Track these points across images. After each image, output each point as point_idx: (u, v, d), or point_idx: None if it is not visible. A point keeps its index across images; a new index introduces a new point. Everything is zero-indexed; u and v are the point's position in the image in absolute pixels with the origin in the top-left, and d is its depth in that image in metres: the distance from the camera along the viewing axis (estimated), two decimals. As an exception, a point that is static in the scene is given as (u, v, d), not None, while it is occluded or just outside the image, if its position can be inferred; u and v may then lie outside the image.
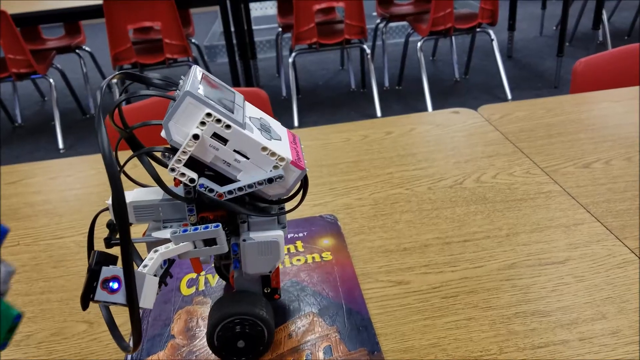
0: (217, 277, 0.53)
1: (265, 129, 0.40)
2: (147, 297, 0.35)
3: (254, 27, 4.43)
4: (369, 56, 2.77)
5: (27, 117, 3.13)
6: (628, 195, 0.66)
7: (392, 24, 4.03)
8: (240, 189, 0.39)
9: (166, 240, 0.39)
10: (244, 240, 0.41)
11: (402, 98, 3.04)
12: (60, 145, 2.67)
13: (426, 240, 0.61)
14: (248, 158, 0.38)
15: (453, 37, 3.25)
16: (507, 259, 0.56)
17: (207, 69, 3.30)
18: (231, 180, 0.39)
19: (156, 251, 0.37)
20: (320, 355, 0.43)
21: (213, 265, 0.50)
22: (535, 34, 4.10)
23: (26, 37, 2.68)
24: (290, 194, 0.41)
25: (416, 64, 3.47)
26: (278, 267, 0.45)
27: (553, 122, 0.89)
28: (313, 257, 0.55)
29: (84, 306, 0.36)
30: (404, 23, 3.95)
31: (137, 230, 0.66)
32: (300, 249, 0.56)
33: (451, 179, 0.73)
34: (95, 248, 0.38)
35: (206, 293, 0.51)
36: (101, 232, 0.66)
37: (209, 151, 0.38)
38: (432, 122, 0.92)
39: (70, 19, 2.55)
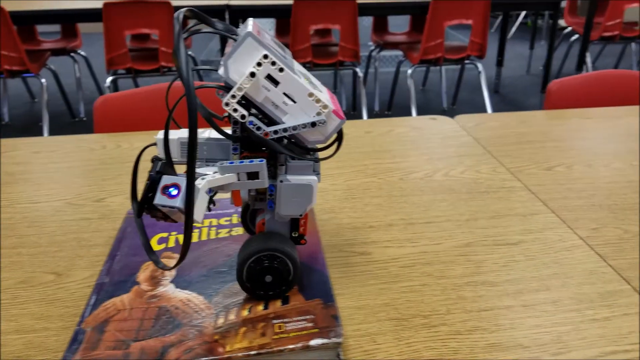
0: (186, 236, 0.55)
1: (309, 81, 0.43)
2: (199, 210, 0.38)
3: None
4: (360, 79, 2.84)
5: (15, 116, 3.14)
6: (584, 194, 0.70)
7: (385, 54, 4.14)
8: (285, 129, 0.41)
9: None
10: (281, 181, 0.44)
11: (390, 123, 3.09)
12: (48, 145, 2.67)
13: (391, 220, 0.64)
14: (295, 102, 0.41)
15: (443, 69, 3.34)
16: (464, 239, 0.59)
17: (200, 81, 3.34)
18: (276, 123, 0.42)
19: (204, 178, 0.40)
20: (278, 304, 0.45)
21: (240, 218, 0.53)
22: (522, 73, 4.22)
23: (22, 37, 2.71)
24: (327, 143, 0.44)
25: (406, 92, 3.55)
26: (307, 215, 0.47)
27: (524, 132, 0.93)
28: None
29: (140, 212, 0.39)
30: (398, 53, 4.06)
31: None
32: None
33: (422, 172, 0.77)
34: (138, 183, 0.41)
35: (175, 250, 0.53)
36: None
37: (261, 91, 0.41)
38: (410, 126, 0.95)
39: (69, 20, 2.59)
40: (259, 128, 0.41)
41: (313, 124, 0.42)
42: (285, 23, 3.00)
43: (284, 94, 0.41)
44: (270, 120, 0.42)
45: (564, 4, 4.63)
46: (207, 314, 0.44)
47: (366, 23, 4.63)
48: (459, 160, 0.80)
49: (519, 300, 0.49)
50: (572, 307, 0.49)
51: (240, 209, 0.54)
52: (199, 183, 0.39)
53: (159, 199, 0.38)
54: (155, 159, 0.41)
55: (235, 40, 0.42)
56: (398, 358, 0.43)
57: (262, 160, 0.41)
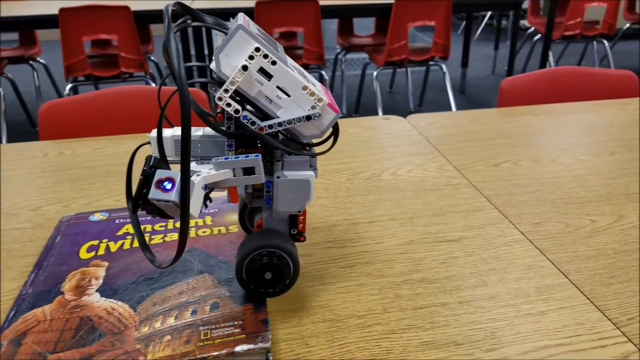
0: (119, 243, 0.54)
1: (302, 75, 0.42)
2: (194, 205, 0.37)
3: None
4: (327, 82, 2.84)
5: (-26, 127, 3.05)
6: (529, 190, 0.70)
7: (352, 56, 4.15)
8: (279, 124, 0.41)
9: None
10: (278, 177, 0.43)
11: (357, 125, 3.10)
12: (6, 155, 2.60)
13: (335, 221, 0.63)
14: (289, 95, 0.41)
15: (409, 71, 3.37)
16: (406, 237, 0.59)
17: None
18: (271, 118, 0.41)
19: (199, 175, 0.39)
20: (207, 309, 0.44)
21: (237, 217, 0.53)
22: (488, 73, 4.29)
23: (-22, 45, 2.63)
24: (322, 138, 0.44)
25: (373, 94, 3.56)
26: (305, 211, 0.47)
27: (474, 130, 0.93)
28: (219, 230, 0.56)
29: (135, 208, 0.38)
30: (364, 56, 4.07)
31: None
32: (209, 223, 0.57)
33: (370, 172, 0.76)
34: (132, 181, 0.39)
35: (104, 257, 0.51)
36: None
37: (254, 85, 0.40)
38: (363, 126, 0.95)
39: (25, 27, 2.52)
40: (253, 123, 0.40)
41: (308, 118, 0.41)
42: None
43: (278, 87, 0.40)
44: (264, 115, 0.41)
45: (526, 5, 4.73)
46: (131, 322, 0.43)
47: (333, 26, 4.64)
48: (407, 159, 0.80)
49: (455, 297, 0.49)
50: (508, 302, 0.48)
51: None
52: (195, 179, 0.38)
53: (153, 193, 0.37)
54: (148, 158, 0.40)
55: (225, 34, 0.41)
56: (329, 360, 0.42)
57: (257, 155, 0.40)
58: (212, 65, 0.40)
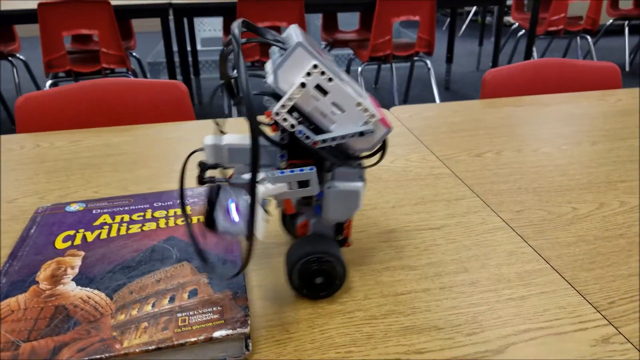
0: (95, 233, 0.52)
1: (354, 89, 0.43)
2: (260, 227, 0.38)
3: (204, 48, 4.45)
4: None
5: (-47, 125, 2.99)
6: (511, 179, 0.70)
7: (336, 52, 4.15)
8: (333, 139, 0.41)
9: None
10: (329, 187, 0.44)
11: (343, 121, 3.10)
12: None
13: (316, 210, 0.62)
14: (343, 111, 0.41)
15: (394, 67, 3.37)
16: (388, 225, 0.59)
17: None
18: (323, 131, 0.42)
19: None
20: (185, 296, 0.43)
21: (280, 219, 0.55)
22: (472, 69, 4.31)
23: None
24: (372, 151, 0.45)
25: (358, 89, 3.56)
26: (351, 220, 0.48)
27: (457, 121, 0.93)
28: (198, 219, 0.55)
29: (208, 226, 0.40)
30: (348, 51, 4.07)
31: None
32: (188, 212, 0.56)
33: (352, 162, 0.76)
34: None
35: (81, 247, 0.50)
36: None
37: (310, 101, 0.40)
38: (345, 118, 0.94)
39: (3, 23, 2.48)
40: (307, 137, 0.41)
41: (361, 134, 0.41)
42: (232, 22, 2.96)
43: (333, 103, 0.41)
44: (316, 128, 0.42)
45: (510, 1, 4.76)
46: (107, 310, 0.42)
47: (318, 21, 4.63)
48: (390, 150, 0.80)
49: (436, 283, 0.49)
50: (489, 288, 0.48)
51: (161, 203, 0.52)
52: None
53: (223, 227, 0.39)
54: (201, 164, 0.42)
55: (284, 50, 0.42)
56: (310, 345, 0.42)
57: (312, 169, 0.41)
58: (270, 80, 0.41)
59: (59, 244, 0.51)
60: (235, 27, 0.39)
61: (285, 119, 0.40)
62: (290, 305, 0.46)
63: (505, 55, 4.60)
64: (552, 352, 0.41)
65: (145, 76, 3.03)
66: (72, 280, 0.45)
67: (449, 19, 3.55)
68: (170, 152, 0.80)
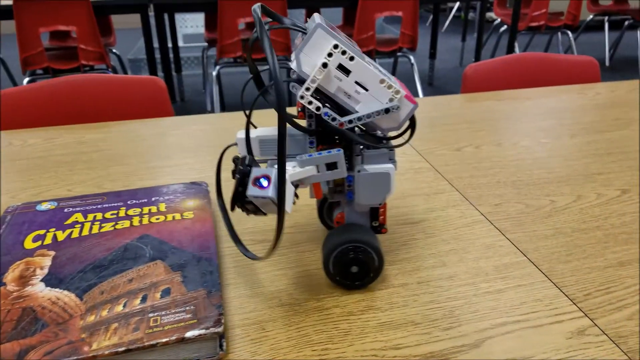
0: (67, 232, 0.51)
1: (377, 69, 0.42)
2: (288, 201, 0.38)
3: (185, 44, 4.41)
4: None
5: None
6: (490, 172, 0.70)
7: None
8: (359, 118, 0.41)
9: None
10: (359, 171, 0.44)
11: (326, 117, 3.09)
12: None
13: (297, 206, 0.61)
14: (367, 90, 0.41)
15: (377, 62, 3.37)
16: (367, 220, 0.58)
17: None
18: (349, 113, 0.42)
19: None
20: (158, 296, 0.42)
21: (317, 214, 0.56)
22: (456, 64, 4.33)
23: None
24: (400, 130, 0.44)
25: (342, 85, 3.55)
26: (386, 204, 0.48)
27: (437, 116, 0.93)
28: (173, 216, 0.54)
29: (232, 207, 0.40)
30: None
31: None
32: (163, 209, 0.55)
33: (332, 157, 0.75)
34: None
35: (51, 247, 0.49)
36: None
37: (333, 82, 0.41)
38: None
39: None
40: (334, 119, 0.41)
41: (387, 111, 0.41)
42: (215, 19, 2.93)
43: (356, 82, 0.41)
44: (342, 111, 0.42)
45: (491, -3, 4.79)
46: (77, 312, 0.41)
47: (301, 17, 4.61)
48: (370, 144, 0.79)
49: (414, 277, 0.48)
50: (467, 282, 0.48)
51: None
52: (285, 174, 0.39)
53: (252, 191, 0.38)
54: (236, 159, 0.41)
55: (304, 33, 0.42)
56: (286, 344, 0.41)
57: (339, 150, 0.41)
58: (293, 65, 0.41)
59: (29, 243, 0.50)
60: (257, 7, 0.39)
61: (310, 102, 0.40)
62: (267, 303, 0.45)
63: (487, 50, 4.63)
64: (528, 345, 0.41)
65: (125, 73, 2.99)
66: (42, 281, 0.44)
67: (432, 15, 3.56)
68: (146, 149, 0.79)
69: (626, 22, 4.07)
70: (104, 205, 0.56)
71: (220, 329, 0.39)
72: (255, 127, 0.46)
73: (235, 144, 0.45)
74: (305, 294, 0.46)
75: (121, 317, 0.40)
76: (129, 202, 0.57)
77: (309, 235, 0.55)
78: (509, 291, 0.47)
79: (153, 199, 0.58)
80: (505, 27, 3.86)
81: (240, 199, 0.39)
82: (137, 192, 0.59)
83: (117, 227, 0.52)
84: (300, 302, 0.45)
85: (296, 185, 0.42)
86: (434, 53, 3.68)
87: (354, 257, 0.44)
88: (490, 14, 5.51)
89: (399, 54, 2.95)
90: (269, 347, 0.40)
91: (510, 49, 3.50)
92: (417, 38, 2.88)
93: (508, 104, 0.99)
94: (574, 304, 0.45)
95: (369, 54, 2.83)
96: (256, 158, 0.45)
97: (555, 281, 0.48)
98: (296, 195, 0.43)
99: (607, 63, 4.31)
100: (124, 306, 0.41)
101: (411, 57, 3.02)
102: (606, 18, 4.27)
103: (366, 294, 0.46)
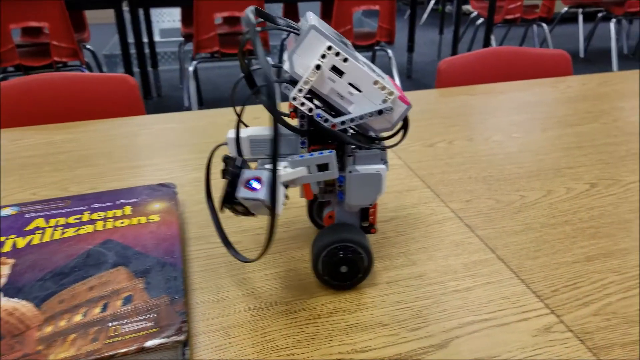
0: (27, 238, 0.50)
1: (371, 69, 0.42)
2: (279, 202, 0.38)
3: (162, 39, 4.35)
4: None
5: None
6: (462, 168, 0.70)
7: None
8: (352, 119, 0.41)
9: None
10: (350, 172, 0.44)
11: (306, 111, 3.08)
12: None
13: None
14: (360, 91, 0.41)
15: (355, 55, 3.36)
16: (337, 219, 0.58)
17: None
18: (342, 113, 0.41)
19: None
20: (119, 304, 0.41)
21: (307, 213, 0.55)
22: (434, 58, 4.35)
23: None
24: (393, 131, 0.43)
25: (321, 80, 3.54)
26: (376, 204, 0.48)
27: (412, 111, 0.93)
28: (139, 220, 0.53)
29: (221, 208, 0.40)
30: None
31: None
32: (128, 213, 0.54)
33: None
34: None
35: (10, 254, 0.48)
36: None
37: (326, 83, 0.40)
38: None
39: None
40: (326, 120, 0.41)
41: (380, 112, 0.41)
42: (191, 13, 2.90)
43: (349, 83, 0.40)
44: (335, 111, 0.42)
45: (469, -10, 4.80)
46: (34, 322, 0.39)
47: (279, 11, 4.58)
48: (343, 141, 0.79)
49: (384, 277, 0.48)
50: (435, 280, 0.48)
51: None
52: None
53: (242, 193, 0.38)
54: (226, 158, 0.41)
55: (298, 34, 0.42)
56: (251, 350, 0.40)
57: (331, 152, 0.41)
58: (286, 66, 0.41)
59: (-13, 251, 0.48)
60: (249, 11, 0.39)
61: (302, 103, 0.40)
62: (232, 307, 0.45)
63: (465, 43, 4.65)
64: (494, 344, 0.41)
65: (100, 69, 2.94)
66: (-1, 290, 0.43)
67: (410, 8, 3.56)
68: (115, 149, 0.77)
69: (599, 14, 4.13)
70: (68, 210, 0.55)
71: (182, 337, 0.38)
72: (247, 126, 0.45)
73: (225, 144, 0.45)
74: (272, 297, 0.46)
75: (80, 327, 0.39)
76: (93, 206, 0.55)
77: (279, 234, 0.55)
78: (477, 289, 0.47)
79: (119, 202, 0.56)
80: (481, 20, 3.88)
81: (230, 201, 0.39)
82: (102, 195, 0.58)
83: (80, 232, 0.51)
84: (267, 305, 0.45)
85: (286, 185, 0.42)
86: (412, 46, 3.68)
87: (343, 257, 0.44)
88: (467, 7, 5.54)
89: (377, 47, 2.95)
90: (233, 354, 0.40)
91: (486, 42, 3.52)
92: (394, 31, 2.88)
93: (481, 99, 0.99)
94: (541, 300, 0.45)
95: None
96: (246, 157, 0.44)
97: (523, 278, 0.48)
98: (286, 196, 0.43)
99: (581, 55, 4.37)
100: (84, 315, 0.40)
101: (389, 51, 3.02)
102: (580, 10, 4.31)
103: (334, 295, 0.46)
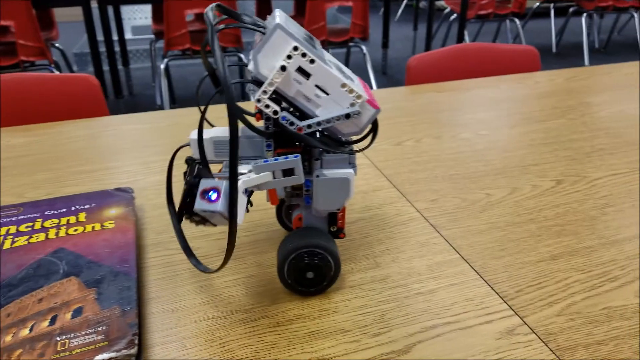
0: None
1: (340, 71, 0.41)
2: (240, 212, 0.36)
3: (134, 37, 4.28)
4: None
5: None
6: (429, 166, 0.70)
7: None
8: (318, 123, 0.40)
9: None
10: (317, 176, 0.43)
11: (280, 109, 3.06)
12: None
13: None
14: (327, 94, 0.39)
15: (329, 51, 3.35)
16: (301, 222, 0.56)
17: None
18: (309, 116, 0.40)
19: (239, 179, 0.37)
20: (68, 316, 0.40)
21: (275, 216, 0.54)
22: (409, 54, 4.36)
23: None
24: (362, 135, 0.42)
25: (296, 77, 3.52)
26: (344, 208, 0.46)
27: (382, 109, 0.92)
28: (93, 227, 0.51)
29: (180, 218, 0.39)
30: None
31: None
32: (82, 220, 0.52)
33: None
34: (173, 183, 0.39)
35: (-43, 265, 0.45)
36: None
37: (292, 85, 0.39)
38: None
39: None
40: (292, 123, 0.39)
41: (347, 116, 0.40)
42: (162, 10, 2.85)
43: (316, 86, 0.39)
44: (302, 114, 0.41)
45: (442, -14, 4.83)
46: (-24, 339, 0.37)
47: (252, 7, 4.54)
48: (310, 140, 0.78)
49: (347, 281, 0.47)
50: (399, 283, 0.47)
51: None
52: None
53: (199, 204, 0.36)
54: (189, 160, 0.40)
55: (264, 33, 0.40)
56: (208, 361, 0.39)
57: (297, 156, 0.39)
58: (250, 66, 0.39)
59: None
60: (209, 10, 0.37)
61: (267, 105, 0.39)
62: (189, 317, 0.43)
63: (439, 39, 4.68)
64: (457, 349, 0.40)
65: (70, 68, 2.87)
66: (-61, 306, 0.41)
67: (383, 4, 3.57)
68: (75, 152, 0.75)
69: (571, 9, 4.19)
70: (20, 217, 0.53)
71: (133, 351, 0.36)
72: (213, 126, 0.43)
73: (188, 145, 0.43)
74: (231, 305, 0.44)
75: (27, 342, 0.37)
76: (46, 213, 0.53)
77: (240, 239, 0.53)
78: (441, 291, 0.46)
79: (73, 208, 0.54)
80: (455, 15, 3.90)
81: (188, 210, 0.38)
82: (56, 201, 0.56)
83: (32, 240, 0.49)
84: (225, 314, 0.43)
85: (251, 191, 0.40)
86: (386, 42, 3.68)
87: (310, 263, 0.43)
88: (441, 3, 5.57)
89: (351, 44, 2.94)
90: (188, 366, 0.38)
91: (460, 38, 3.54)
92: (368, 28, 2.87)
93: (449, 96, 0.99)
94: (505, 302, 0.45)
95: (321, 45, 2.81)
96: (210, 159, 0.43)
97: (487, 278, 0.48)
98: (250, 203, 0.42)
99: (554, 49, 4.43)
100: (31, 330, 0.38)
101: (363, 47, 3.01)
102: (552, 5, 4.37)
103: (296, 302, 0.45)
